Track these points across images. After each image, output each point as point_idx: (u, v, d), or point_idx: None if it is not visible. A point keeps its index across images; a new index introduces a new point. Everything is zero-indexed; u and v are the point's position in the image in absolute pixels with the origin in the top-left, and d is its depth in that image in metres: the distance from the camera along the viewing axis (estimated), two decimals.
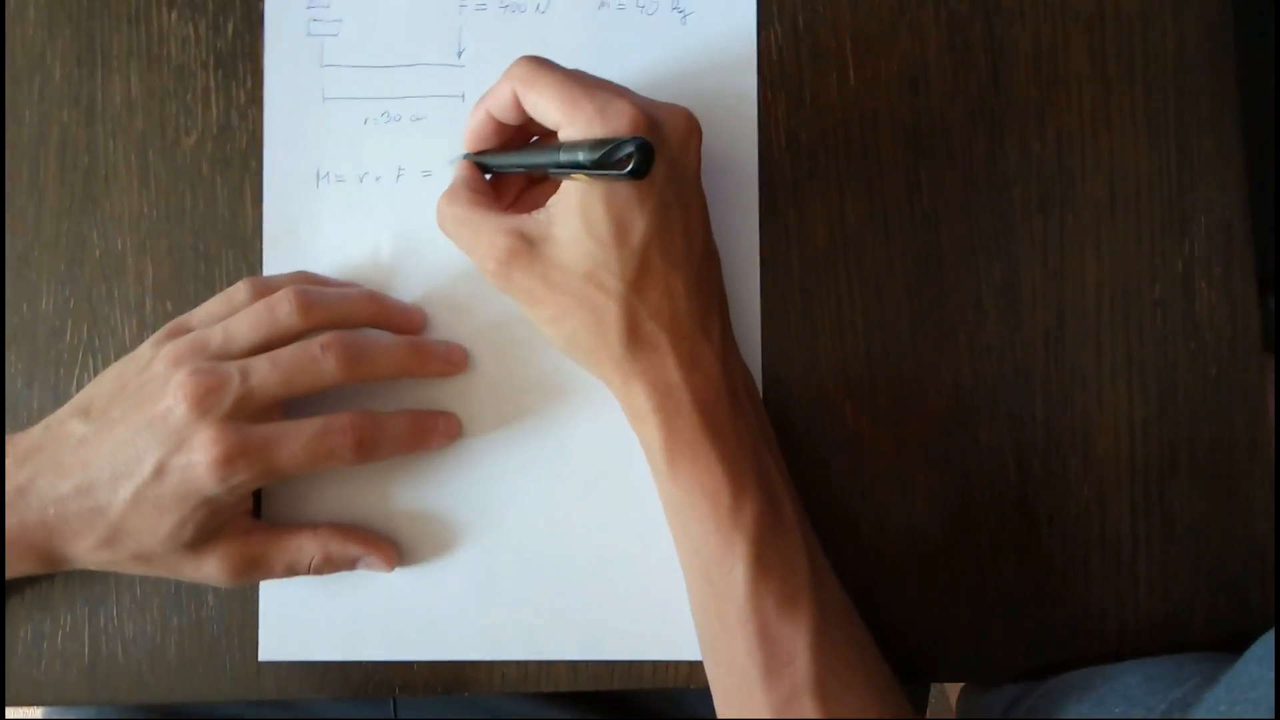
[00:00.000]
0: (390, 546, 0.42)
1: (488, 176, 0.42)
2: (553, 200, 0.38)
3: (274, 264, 0.44)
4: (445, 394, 0.44)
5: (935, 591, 0.43)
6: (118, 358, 0.43)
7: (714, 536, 0.38)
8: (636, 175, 0.32)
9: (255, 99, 0.45)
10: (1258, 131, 0.46)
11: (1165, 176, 0.44)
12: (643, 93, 0.41)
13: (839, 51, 0.44)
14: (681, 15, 0.44)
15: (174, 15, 0.45)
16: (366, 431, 0.39)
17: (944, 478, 0.43)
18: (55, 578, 0.43)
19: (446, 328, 0.44)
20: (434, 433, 0.42)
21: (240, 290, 0.42)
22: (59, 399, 0.43)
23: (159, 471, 0.37)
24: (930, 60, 0.44)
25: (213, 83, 0.45)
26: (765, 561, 0.37)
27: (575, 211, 0.37)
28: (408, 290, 0.44)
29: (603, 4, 0.45)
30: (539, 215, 0.38)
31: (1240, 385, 0.43)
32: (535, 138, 0.42)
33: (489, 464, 0.43)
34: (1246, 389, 0.43)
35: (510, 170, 0.41)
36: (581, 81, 0.37)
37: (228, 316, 0.41)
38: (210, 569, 0.40)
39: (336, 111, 0.45)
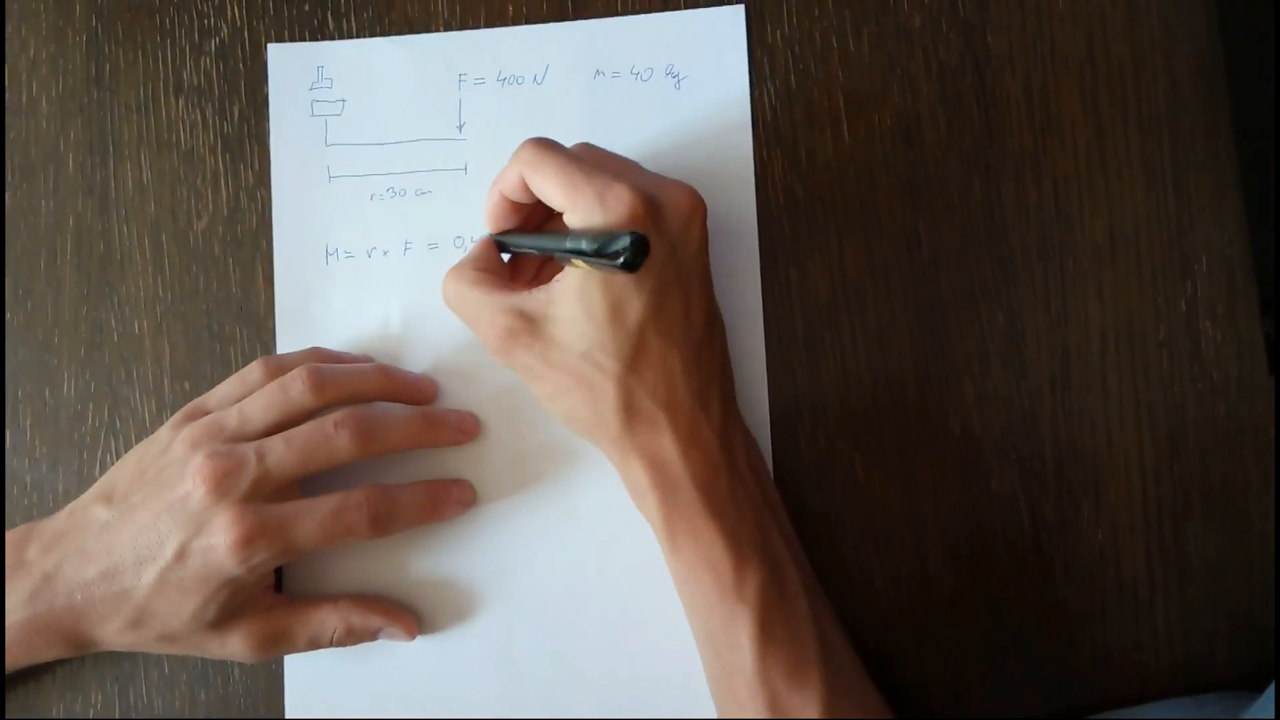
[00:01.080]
0: (411, 616, 0.43)
1: (506, 256, 0.43)
2: (555, 279, 0.39)
3: (287, 340, 0.46)
4: (458, 462, 0.45)
5: (953, 642, 0.44)
6: (138, 438, 0.44)
7: (718, 609, 0.38)
8: (629, 268, 0.34)
9: (263, 180, 0.46)
10: (1255, 167, 0.46)
11: (1164, 217, 0.44)
12: (641, 159, 0.43)
13: (832, 108, 0.45)
14: (676, 81, 0.46)
15: (181, 102, 0.47)
16: (381, 507, 0.41)
17: (956, 528, 0.44)
18: (85, 658, 0.44)
19: (457, 396, 0.45)
20: (449, 502, 0.44)
21: (254, 370, 0.43)
22: (83, 481, 0.45)
23: (181, 554, 0.39)
24: (923, 113, 0.45)
25: (221, 166, 0.47)
26: (771, 632, 0.38)
27: (574, 292, 0.38)
28: (417, 360, 0.46)
29: (598, 73, 0.46)
30: (539, 294, 0.39)
31: (1250, 423, 0.44)
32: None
33: (504, 530, 0.44)
34: (1256, 426, 0.44)
35: (524, 252, 0.42)
36: (583, 166, 0.38)
37: (243, 397, 0.42)
38: (234, 646, 0.41)
39: (342, 189, 0.46)
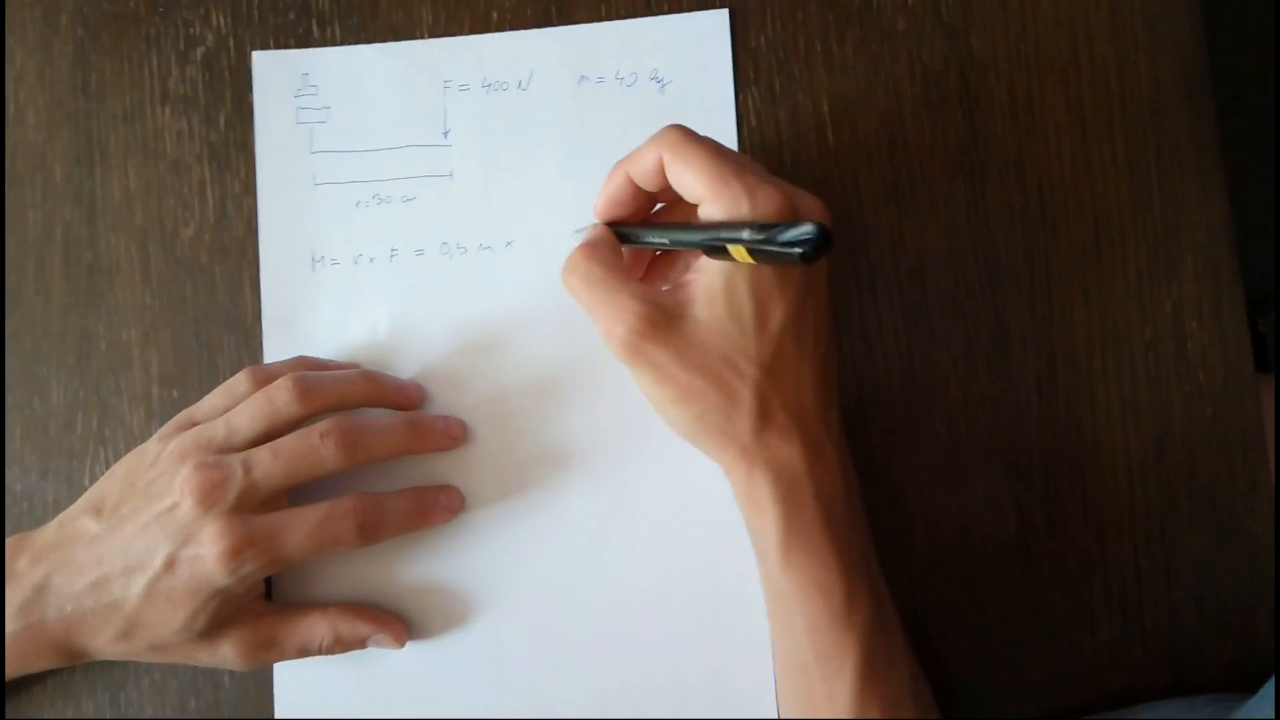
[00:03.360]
0: (399, 624, 0.44)
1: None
2: (690, 278, 0.39)
3: (274, 348, 0.47)
4: (446, 468, 0.46)
5: (940, 646, 0.45)
6: (127, 447, 0.45)
7: (824, 634, 0.38)
8: (808, 259, 0.32)
9: (249, 188, 0.48)
10: (1240, 167, 0.47)
11: (1149, 219, 0.46)
12: None
13: (817, 113, 0.46)
14: (660, 85, 0.47)
15: (168, 111, 0.48)
16: (369, 515, 0.42)
17: (944, 531, 0.45)
18: (76, 667, 0.46)
19: (444, 403, 0.46)
20: (436, 509, 0.45)
21: (241, 381, 0.44)
22: (73, 490, 0.46)
23: (169, 565, 0.40)
24: (908, 117, 0.46)
25: (208, 174, 0.48)
26: (874, 664, 0.38)
27: (720, 292, 0.37)
28: (405, 367, 0.47)
29: (582, 79, 0.47)
30: (677, 292, 0.39)
31: (1237, 424, 0.45)
32: (659, 206, 0.43)
33: (492, 536, 0.45)
34: (1243, 428, 0.45)
35: (652, 245, 0.41)
36: (731, 160, 0.38)
37: (230, 408, 0.43)
38: (225, 654, 0.42)
39: (328, 196, 0.47)
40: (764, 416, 0.38)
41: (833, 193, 0.46)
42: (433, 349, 0.47)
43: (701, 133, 0.46)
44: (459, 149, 0.47)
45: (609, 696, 0.45)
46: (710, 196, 0.37)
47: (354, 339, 0.47)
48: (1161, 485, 0.45)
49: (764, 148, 0.46)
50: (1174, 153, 0.46)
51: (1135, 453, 0.45)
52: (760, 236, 0.34)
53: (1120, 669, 0.44)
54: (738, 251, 0.35)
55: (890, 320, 0.46)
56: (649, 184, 0.40)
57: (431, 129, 0.48)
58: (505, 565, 0.45)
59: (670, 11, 0.47)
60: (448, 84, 0.48)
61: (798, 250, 0.32)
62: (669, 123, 0.38)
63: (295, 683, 0.45)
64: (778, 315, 0.38)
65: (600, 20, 0.47)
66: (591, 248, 0.40)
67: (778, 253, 0.33)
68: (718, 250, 0.36)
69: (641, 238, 0.41)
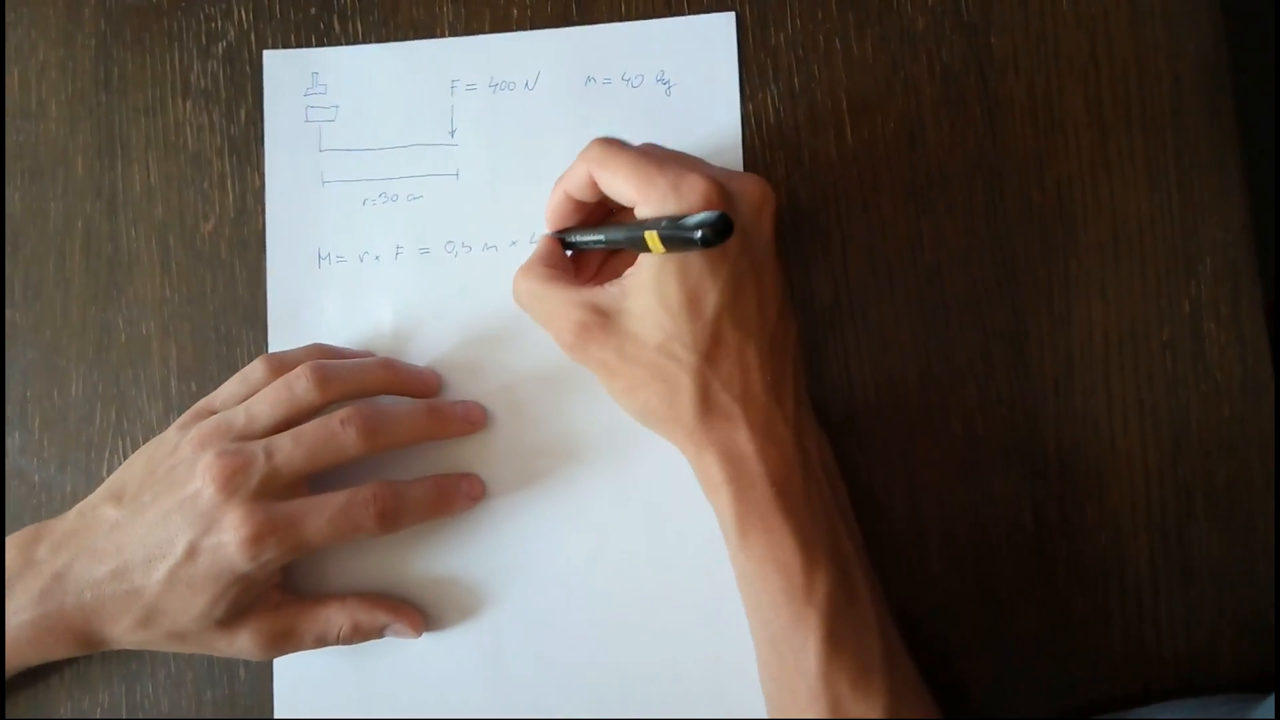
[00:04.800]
0: (417, 614, 0.45)
1: (568, 253, 0.45)
2: (628, 273, 0.40)
3: (279, 344, 0.48)
4: (465, 455, 0.47)
5: (956, 643, 0.46)
6: (146, 439, 0.46)
7: (785, 610, 0.39)
8: (707, 244, 0.34)
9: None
10: (1259, 167, 0.48)
11: (1168, 218, 0.46)
12: None
13: (835, 111, 0.47)
14: (666, 87, 0.48)
15: (189, 105, 0.49)
16: (389, 503, 0.43)
17: (960, 529, 0.46)
18: (93, 657, 0.47)
19: (458, 392, 0.47)
20: (457, 496, 0.46)
21: (257, 369, 0.45)
22: (91, 481, 0.47)
23: (191, 552, 0.41)
24: (926, 115, 0.47)
25: (228, 168, 0.49)
26: (838, 637, 0.39)
27: (649, 284, 0.39)
28: (411, 361, 0.48)
29: (589, 79, 0.48)
30: (611, 288, 0.41)
31: (1254, 424, 0.46)
32: (615, 211, 0.45)
33: (508, 526, 0.46)
34: (1260, 428, 0.45)
35: (590, 247, 0.44)
36: (654, 158, 0.40)
37: (248, 396, 0.44)
38: (243, 644, 0.43)
39: (336, 194, 0.49)
40: (705, 401, 0.40)
41: (851, 191, 0.47)
42: (438, 345, 0.48)
43: (706, 133, 0.47)
44: (465, 148, 0.49)
45: (607, 694, 0.45)
46: (639, 198, 0.39)
47: (359, 336, 0.48)
48: (1178, 485, 0.46)
49: (783, 145, 0.47)
50: (1193, 152, 0.47)
51: (1152, 453, 0.46)
52: (666, 226, 0.36)
53: (1136, 668, 0.45)
54: (653, 243, 0.37)
55: (907, 319, 0.47)
56: (586, 197, 0.42)
57: (439, 128, 0.49)
58: (513, 558, 0.46)
59: (690, 11, 0.48)
60: (455, 84, 0.49)
61: (697, 235, 0.34)
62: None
63: (295, 681, 0.46)
64: (711, 300, 0.39)
65: (620, 19, 0.48)
66: (527, 266, 0.44)
67: (682, 238, 0.35)
68: (642, 244, 0.37)
69: (580, 240, 0.44)
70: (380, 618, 0.44)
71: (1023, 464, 0.46)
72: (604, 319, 0.40)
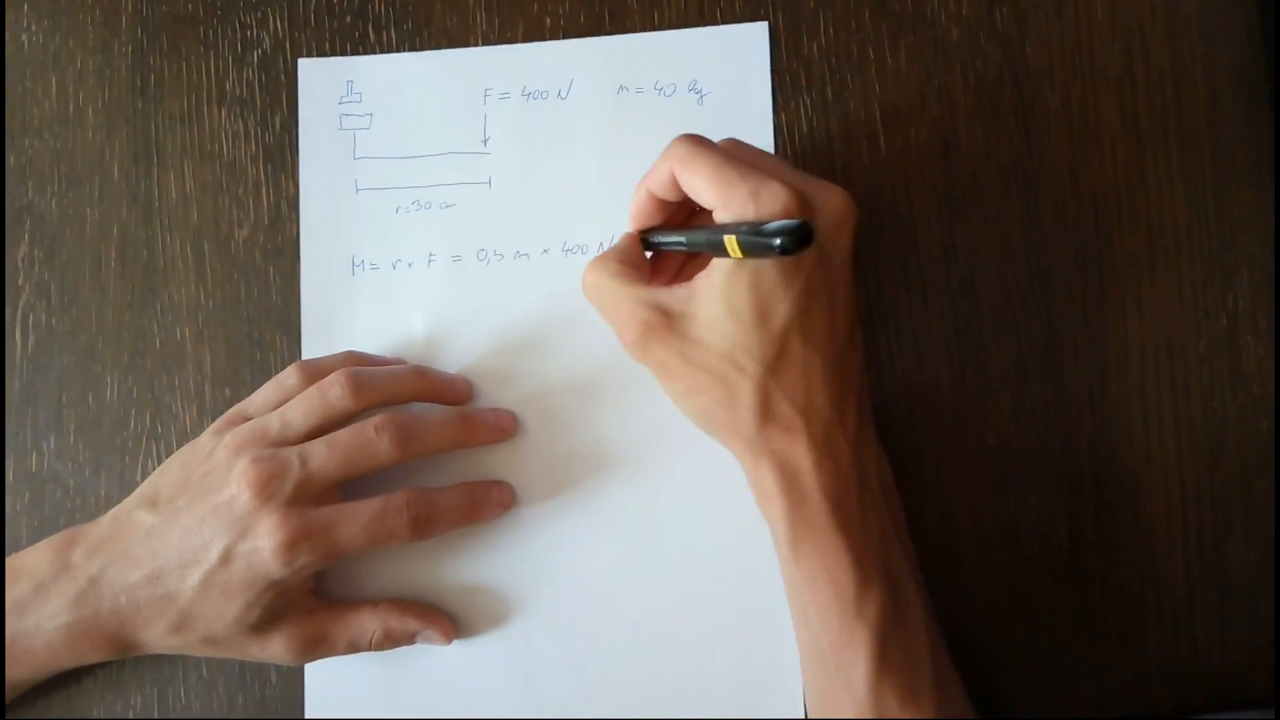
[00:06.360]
0: (447, 621, 0.46)
1: (648, 253, 0.45)
2: (698, 277, 0.40)
3: (312, 352, 0.49)
4: (495, 463, 0.48)
5: (989, 658, 0.46)
6: (180, 444, 0.48)
7: (835, 624, 0.40)
8: (785, 252, 0.35)
9: None
10: None
11: (1204, 230, 0.47)
12: None
13: (869, 121, 0.48)
14: (699, 96, 0.49)
15: (224, 112, 0.51)
16: (422, 510, 0.44)
17: (994, 542, 0.46)
18: (126, 660, 0.48)
19: (489, 399, 0.48)
20: (488, 503, 0.46)
21: (291, 375, 0.46)
22: (125, 486, 0.48)
23: (226, 558, 0.42)
24: (960, 125, 0.48)
25: (263, 176, 0.50)
26: (888, 655, 0.39)
27: (719, 290, 0.39)
28: (443, 369, 0.48)
29: (621, 88, 0.49)
30: (680, 290, 0.41)
31: None
32: (696, 210, 0.45)
33: (538, 533, 0.47)
34: None
35: (671, 248, 0.44)
36: (737, 162, 0.39)
37: (281, 402, 0.45)
38: (276, 649, 0.44)
39: (369, 201, 0.50)
40: (766, 411, 0.40)
41: (884, 201, 0.48)
42: (469, 353, 0.49)
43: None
44: (498, 157, 0.50)
45: (636, 701, 0.46)
46: (719, 202, 0.39)
47: (391, 343, 0.49)
48: (1215, 499, 0.46)
49: (815, 155, 0.48)
50: (1230, 164, 0.47)
51: (1188, 466, 0.46)
52: (745, 231, 0.36)
53: (1169, 683, 0.46)
54: (731, 247, 0.37)
55: (941, 330, 0.47)
56: (668, 195, 0.42)
57: (472, 137, 0.50)
58: (543, 566, 0.47)
59: (722, 21, 0.49)
60: (488, 92, 0.50)
61: (775, 242, 0.34)
62: (700, 134, 0.39)
63: (326, 686, 0.47)
64: (781, 311, 0.39)
65: (652, 28, 0.49)
66: (600, 259, 0.43)
67: (761, 245, 0.35)
68: (721, 249, 0.38)
69: (662, 241, 0.44)
70: (411, 624, 0.45)
71: (1057, 477, 0.46)
72: (669, 320, 0.40)
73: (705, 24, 0.49)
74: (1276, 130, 0.47)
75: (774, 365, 0.40)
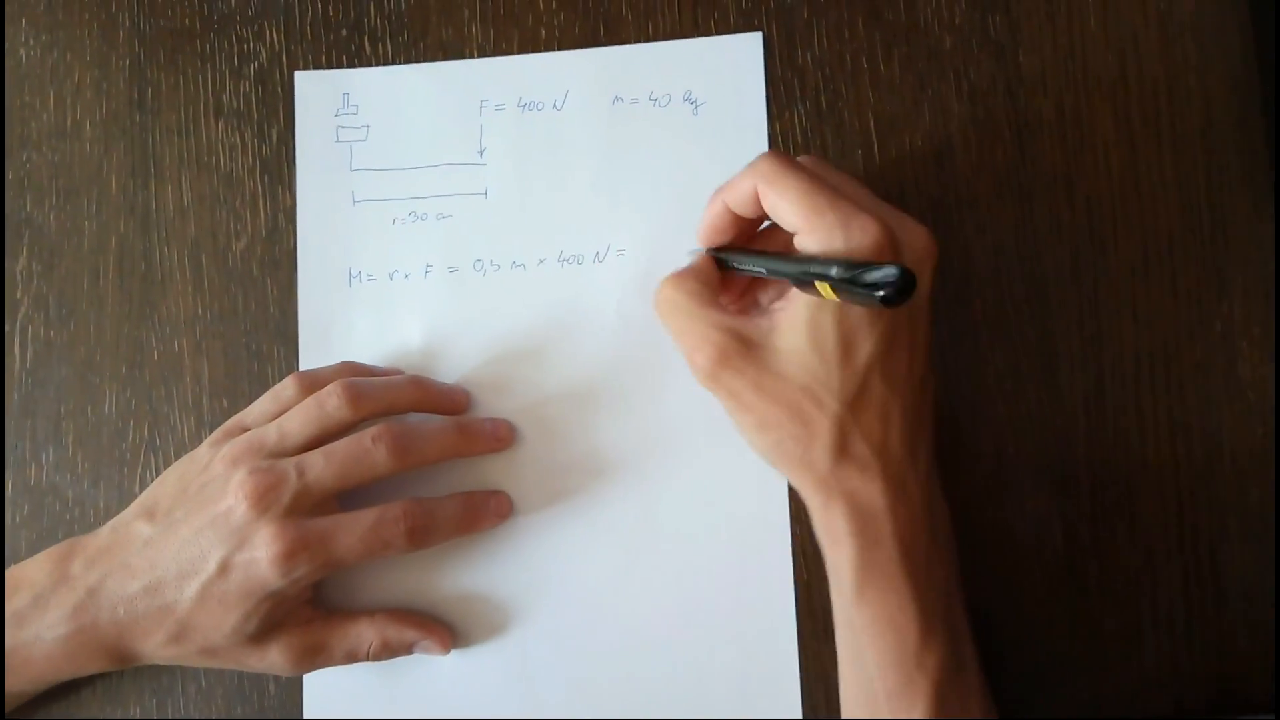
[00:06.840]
0: (445, 630, 0.46)
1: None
2: (778, 307, 0.40)
3: (310, 363, 0.49)
4: (493, 473, 0.48)
5: (986, 663, 0.46)
6: (178, 455, 0.48)
7: (893, 672, 0.39)
8: (889, 303, 0.33)
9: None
10: None
11: (1199, 237, 0.47)
12: (659, 185, 0.46)
13: (863, 130, 0.48)
14: (694, 106, 0.49)
15: (221, 125, 0.51)
16: (419, 520, 0.44)
17: (990, 548, 0.47)
18: (124, 671, 0.48)
19: (486, 409, 0.48)
20: (486, 513, 0.47)
21: (288, 386, 0.46)
22: (123, 497, 0.49)
23: (223, 569, 0.42)
24: (954, 134, 0.48)
25: (260, 188, 0.50)
26: (946, 706, 0.39)
27: (803, 324, 0.39)
28: (440, 379, 0.49)
29: (616, 99, 0.50)
30: (760, 321, 0.40)
31: None
32: (765, 225, 0.44)
33: (536, 543, 0.47)
34: None
35: (749, 272, 0.42)
36: (826, 189, 0.39)
37: (279, 413, 0.45)
38: (273, 659, 0.44)
39: (366, 213, 0.50)
40: (842, 450, 0.39)
41: None
42: (466, 363, 0.49)
43: (734, 153, 0.48)
44: (494, 168, 0.50)
45: (634, 711, 0.46)
46: (805, 228, 0.38)
47: (388, 354, 0.49)
48: (1211, 505, 0.46)
49: None
50: (1223, 171, 0.47)
51: (1185, 472, 0.46)
52: (845, 276, 0.35)
53: (1167, 689, 0.46)
54: (824, 288, 0.36)
55: (936, 338, 0.47)
56: (746, 212, 0.41)
57: (468, 148, 0.50)
58: (540, 575, 0.47)
59: (716, 31, 0.49)
60: (484, 104, 0.50)
61: (879, 293, 0.33)
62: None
63: (324, 696, 0.47)
64: (865, 350, 0.39)
65: (647, 39, 0.50)
66: (679, 277, 0.43)
67: (861, 294, 0.34)
68: (807, 283, 0.37)
69: (740, 266, 0.43)
70: (409, 634, 0.46)
71: (1053, 483, 0.47)
72: (746, 349, 0.40)
73: (700, 35, 0.49)
74: (1269, 137, 0.47)
75: (854, 403, 0.39)
